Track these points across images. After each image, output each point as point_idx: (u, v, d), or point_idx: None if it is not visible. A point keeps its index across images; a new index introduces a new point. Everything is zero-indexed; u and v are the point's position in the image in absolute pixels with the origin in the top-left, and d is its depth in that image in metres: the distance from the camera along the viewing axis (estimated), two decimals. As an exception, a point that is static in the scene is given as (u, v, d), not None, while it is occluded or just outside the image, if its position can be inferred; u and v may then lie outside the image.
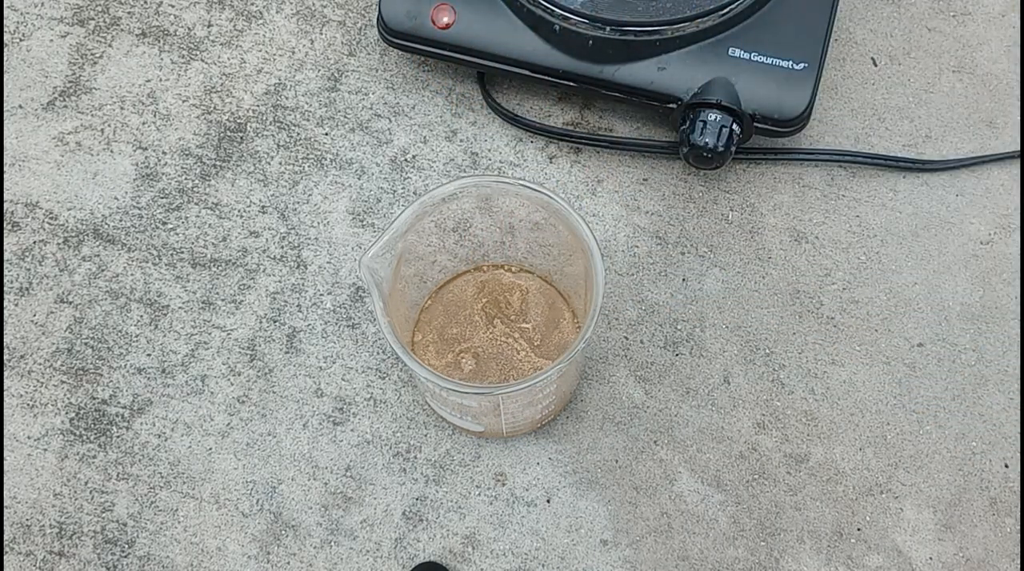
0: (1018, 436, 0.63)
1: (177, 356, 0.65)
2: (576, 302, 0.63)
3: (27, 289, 0.67)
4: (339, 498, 0.62)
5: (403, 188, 0.69)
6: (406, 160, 0.70)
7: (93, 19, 0.73)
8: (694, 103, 0.64)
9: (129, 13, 0.73)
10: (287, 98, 0.71)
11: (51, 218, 0.68)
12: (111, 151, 0.70)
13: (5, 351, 0.65)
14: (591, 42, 0.64)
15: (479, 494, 0.62)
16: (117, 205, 0.69)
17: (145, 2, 0.74)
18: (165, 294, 0.66)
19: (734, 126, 0.63)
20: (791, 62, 0.64)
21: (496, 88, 0.71)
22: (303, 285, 0.67)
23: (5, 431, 0.64)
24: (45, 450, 0.63)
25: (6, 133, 0.70)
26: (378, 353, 0.65)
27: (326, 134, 0.70)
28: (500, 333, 0.63)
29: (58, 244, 0.68)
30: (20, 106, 0.71)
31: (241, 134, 0.70)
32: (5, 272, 0.67)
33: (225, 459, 0.63)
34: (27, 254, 0.67)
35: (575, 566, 0.61)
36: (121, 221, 0.68)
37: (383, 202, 0.69)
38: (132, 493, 0.62)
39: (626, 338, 0.65)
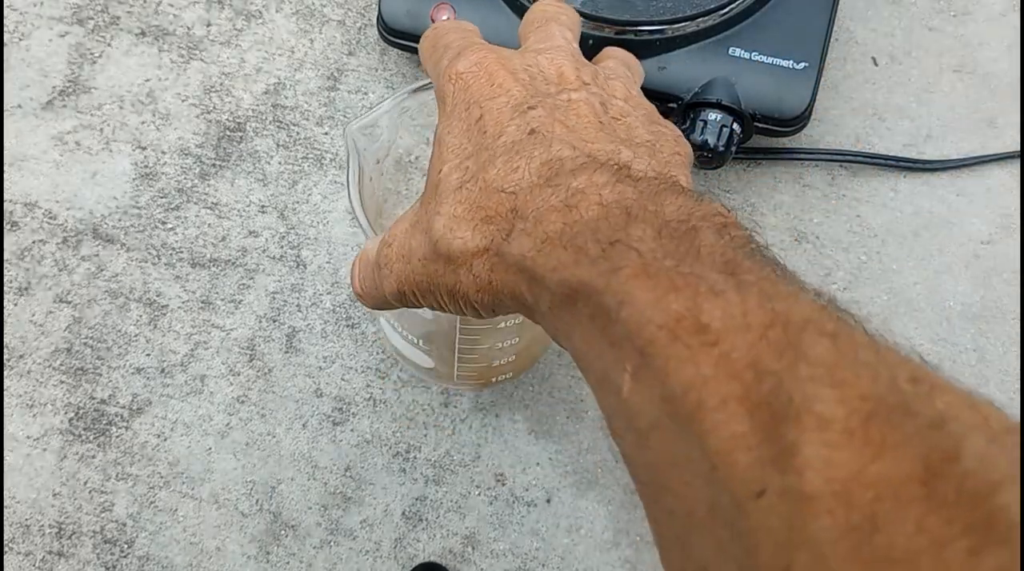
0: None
1: (176, 356, 0.65)
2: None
3: (26, 289, 0.66)
4: (339, 498, 0.62)
5: (405, 188, 0.69)
6: (409, 161, 0.70)
7: (92, 18, 0.73)
8: (694, 103, 0.63)
9: (128, 12, 0.73)
10: (286, 97, 0.71)
11: (50, 218, 0.68)
12: (110, 151, 0.70)
13: (4, 351, 0.65)
14: (591, 42, 0.64)
15: (479, 494, 0.62)
16: (116, 205, 0.68)
17: (144, 1, 0.73)
18: (164, 294, 0.66)
19: (734, 126, 0.63)
20: (792, 62, 0.64)
21: (496, 88, 0.71)
22: (302, 285, 0.67)
23: (4, 431, 0.64)
24: (44, 450, 0.63)
25: (5, 133, 0.70)
26: (378, 353, 0.65)
27: (326, 134, 0.70)
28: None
29: (57, 244, 0.67)
30: (19, 106, 0.71)
31: (240, 134, 0.70)
32: (4, 272, 0.67)
33: (224, 459, 0.63)
34: (26, 254, 0.67)
35: (575, 566, 0.61)
36: (120, 221, 0.68)
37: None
38: (131, 493, 0.62)
39: (626, 338, 0.65)
